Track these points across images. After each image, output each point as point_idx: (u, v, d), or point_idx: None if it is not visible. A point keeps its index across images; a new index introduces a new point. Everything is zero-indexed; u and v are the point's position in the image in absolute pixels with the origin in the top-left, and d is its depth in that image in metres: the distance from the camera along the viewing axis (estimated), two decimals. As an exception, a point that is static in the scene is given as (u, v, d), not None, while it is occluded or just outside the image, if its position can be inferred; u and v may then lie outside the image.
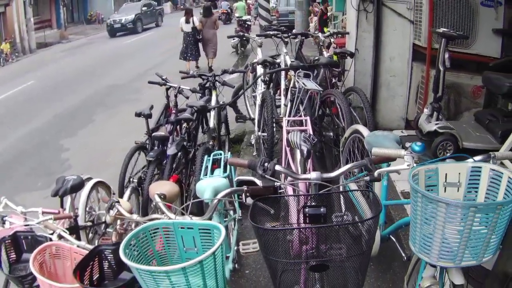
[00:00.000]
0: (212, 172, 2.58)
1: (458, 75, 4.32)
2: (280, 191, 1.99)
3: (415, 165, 1.72)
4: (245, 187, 1.69)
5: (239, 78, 6.09)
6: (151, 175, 3.30)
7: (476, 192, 1.63)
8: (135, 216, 1.90)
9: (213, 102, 4.16)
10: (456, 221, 1.40)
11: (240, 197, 1.78)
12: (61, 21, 22.39)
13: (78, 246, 1.91)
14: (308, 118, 3.18)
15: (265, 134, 3.92)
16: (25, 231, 2.09)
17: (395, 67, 4.81)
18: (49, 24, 22.45)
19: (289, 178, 1.79)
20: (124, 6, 22.52)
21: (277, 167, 1.69)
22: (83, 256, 1.71)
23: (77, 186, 2.54)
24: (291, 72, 4.16)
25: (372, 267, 2.74)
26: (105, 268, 1.76)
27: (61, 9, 22.50)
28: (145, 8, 21.92)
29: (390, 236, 2.45)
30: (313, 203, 1.55)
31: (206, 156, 2.84)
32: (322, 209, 1.51)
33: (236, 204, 2.82)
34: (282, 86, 4.31)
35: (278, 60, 4.80)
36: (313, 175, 1.67)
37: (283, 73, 4.37)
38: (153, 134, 3.65)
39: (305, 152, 2.10)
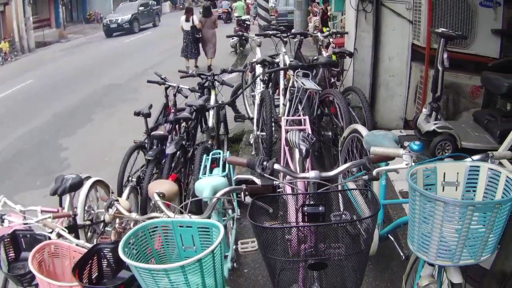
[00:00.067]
0: (211, 171, 2.58)
1: (457, 75, 4.33)
2: (278, 190, 2.00)
3: (413, 164, 1.72)
4: (244, 186, 1.69)
5: (238, 78, 6.09)
6: (150, 174, 3.30)
7: (474, 191, 1.63)
8: (134, 215, 1.90)
9: (212, 102, 4.15)
10: (454, 220, 1.40)
11: (239, 196, 1.78)
12: (60, 20, 22.39)
13: (77, 245, 1.91)
14: (307, 117, 3.18)
15: (264, 133, 3.92)
16: (24, 230, 2.08)
17: (394, 67, 4.81)
18: (48, 23, 22.36)
19: (287, 177, 1.79)
20: (120, 6, 22.31)
21: (276, 166, 1.69)
22: (82, 254, 1.71)
23: (76, 185, 2.54)
24: (290, 72, 4.16)
25: (371, 266, 2.74)
26: (104, 266, 1.76)
27: (60, 8, 22.48)
28: (142, 7, 21.71)
29: (389, 235, 2.45)
30: (312, 202, 1.55)
31: (205, 155, 2.84)
32: (320, 208, 1.51)
33: (235, 203, 2.81)
34: (281, 86, 4.31)
35: (277, 60, 4.79)
36: (312, 174, 1.68)
37: (282, 72, 4.37)
38: (152, 133, 3.65)
39: (303, 151, 2.10)
